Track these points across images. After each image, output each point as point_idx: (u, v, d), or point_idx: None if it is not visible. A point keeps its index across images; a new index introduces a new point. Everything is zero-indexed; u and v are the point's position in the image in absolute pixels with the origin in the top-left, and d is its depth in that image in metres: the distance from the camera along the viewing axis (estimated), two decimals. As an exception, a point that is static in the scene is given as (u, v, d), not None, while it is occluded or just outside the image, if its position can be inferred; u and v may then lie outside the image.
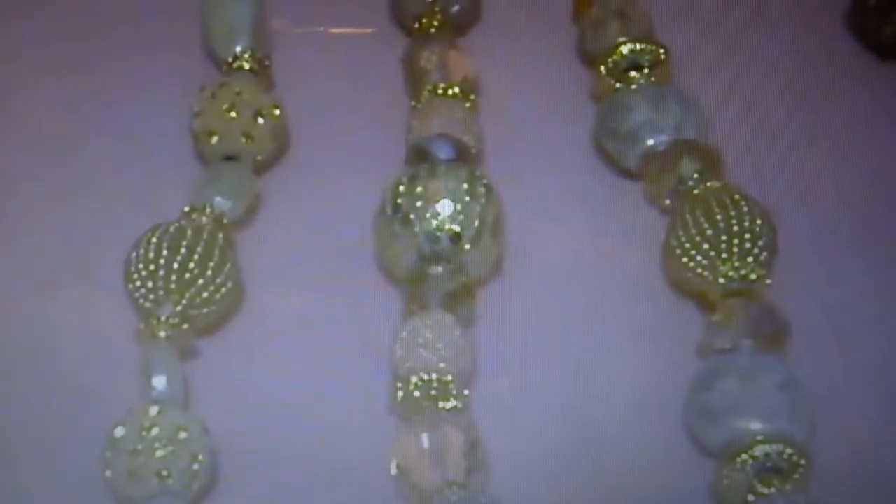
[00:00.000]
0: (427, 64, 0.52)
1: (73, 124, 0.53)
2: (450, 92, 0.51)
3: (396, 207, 0.46)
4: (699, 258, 0.46)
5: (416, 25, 0.55)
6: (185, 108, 0.51)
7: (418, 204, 0.46)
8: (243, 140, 0.50)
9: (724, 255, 0.46)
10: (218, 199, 0.48)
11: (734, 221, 0.46)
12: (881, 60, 0.55)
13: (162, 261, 0.45)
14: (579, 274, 0.48)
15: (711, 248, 0.46)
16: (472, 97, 0.52)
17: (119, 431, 0.41)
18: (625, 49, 0.52)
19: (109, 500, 0.41)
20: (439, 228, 0.45)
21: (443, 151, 0.48)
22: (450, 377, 0.43)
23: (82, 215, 0.50)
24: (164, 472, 0.40)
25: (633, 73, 0.52)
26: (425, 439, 0.41)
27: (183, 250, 0.45)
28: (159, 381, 0.43)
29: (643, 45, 0.52)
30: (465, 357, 0.44)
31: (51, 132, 0.53)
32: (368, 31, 0.57)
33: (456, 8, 0.55)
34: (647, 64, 0.52)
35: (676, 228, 0.47)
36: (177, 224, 0.46)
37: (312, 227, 0.50)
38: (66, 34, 0.56)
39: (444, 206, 0.45)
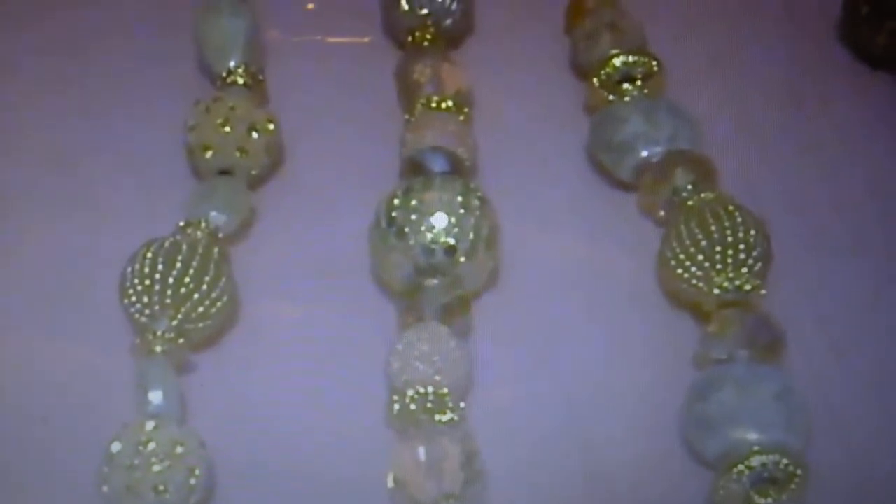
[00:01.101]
0: (420, 77, 0.52)
1: (67, 140, 0.53)
2: (443, 105, 0.51)
3: (391, 220, 0.46)
4: (694, 269, 0.46)
5: (410, 39, 0.55)
6: (180, 123, 0.51)
7: (413, 217, 0.46)
8: (238, 154, 0.50)
9: (718, 266, 0.46)
10: (213, 213, 0.48)
11: (728, 232, 0.46)
12: (873, 70, 0.56)
13: (157, 276, 0.45)
14: (574, 285, 0.48)
15: (706, 259, 0.46)
16: (466, 110, 0.52)
17: (116, 446, 0.41)
18: (617, 61, 0.52)
19: (106, 516, 0.41)
20: (434, 241, 0.45)
21: (437, 164, 0.48)
22: (446, 389, 0.43)
23: (77, 230, 0.50)
24: (161, 487, 0.40)
25: (626, 85, 0.52)
26: (422, 452, 0.41)
27: (178, 265, 0.45)
28: (155, 396, 0.43)
29: (636, 57, 0.52)
30: (461, 369, 0.44)
31: (45, 148, 0.53)
32: (366, 40, 0.57)
33: (449, 21, 0.55)
34: (639, 76, 0.52)
35: (671, 239, 0.47)
36: (172, 239, 0.46)
37: (307, 240, 0.50)
38: (60, 50, 0.56)
39: (439, 219, 0.46)
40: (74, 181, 0.51)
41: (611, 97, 0.52)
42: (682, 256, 0.46)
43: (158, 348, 0.44)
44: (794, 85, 0.55)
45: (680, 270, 0.46)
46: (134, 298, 0.45)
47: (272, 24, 0.57)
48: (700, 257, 0.46)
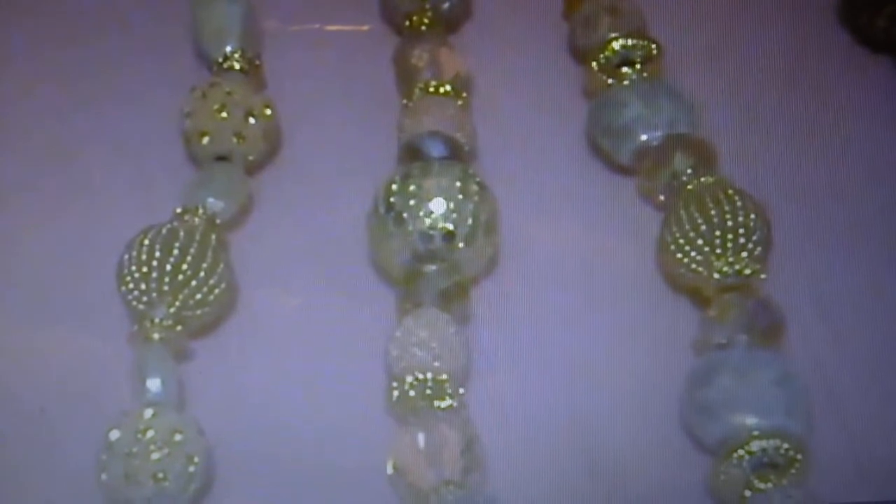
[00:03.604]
0: (418, 62, 0.52)
1: (65, 129, 0.53)
2: (441, 90, 0.51)
3: (389, 206, 0.46)
4: (693, 254, 0.46)
5: (407, 23, 0.55)
6: (177, 110, 0.50)
7: (411, 203, 0.45)
8: (235, 140, 0.50)
9: (718, 251, 0.46)
10: (210, 199, 0.48)
11: (728, 216, 0.46)
12: (873, 53, 0.55)
13: (155, 263, 0.45)
14: (574, 271, 0.48)
15: (706, 244, 0.46)
16: (464, 95, 0.52)
17: (114, 434, 0.41)
18: (616, 45, 0.52)
19: (105, 504, 0.41)
20: (433, 227, 0.45)
21: (435, 149, 0.48)
22: (445, 376, 0.43)
23: (75, 219, 0.50)
24: (160, 475, 0.40)
25: (625, 69, 0.52)
26: (421, 439, 0.41)
27: (175, 252, 0.45)
28: (154, 384, 0.43)
29: (635, 41, 0.52)
30: (459, 356, 0.44)
31: (43, 137, 0.53)
32: (364, 27, 0.57)
33: (447, 5, 0.55)
34: (638, 59, 0.52)
35: (670, 224, 0.47)
36: (169, 225, 0.46)
37: (305, 226, 0.50)
38: (56, 39, 0.56)
39: (438, 205, 0.45)
40: (72, 170, 0.51)
41: (610, 81, 0.52)
42: (681, 241, 0.46)
43: (156, 336, 0.44)
44: (793, 68, 0.55)
45: (679, 255, 0.46)
46: (131, 286, 0.45)
47: (270, 12, 0.56)
48: (700, 242, 0.46)
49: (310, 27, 0.57)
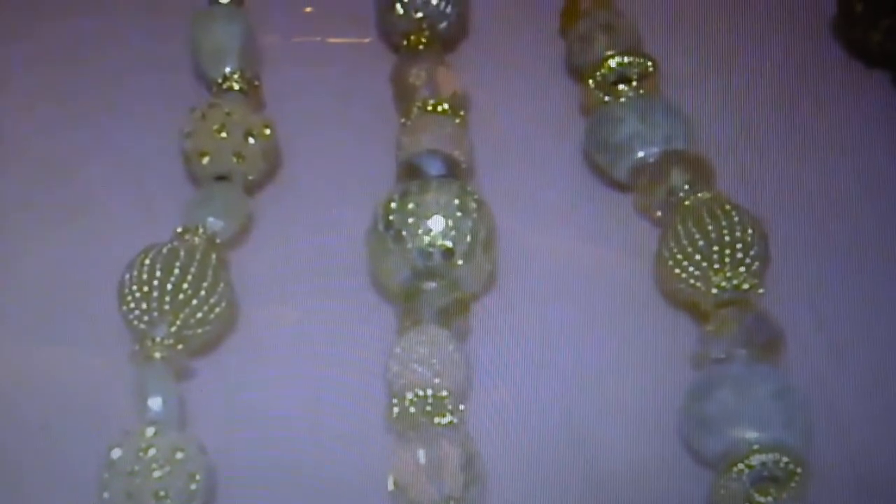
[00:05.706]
0: (416, 80, 0.52)
1: (64, 148, 0.53)
2: (439, 108, 0.51)
3: (388, 224, 0.46)
4: (691, 269, 0.46)
5: (405, 42, 0.55)
6: (176, 130, 0.51)
7: (410, 220, 0.46)
8: (234, 160, 0.50)
9: (716, 266, 0.46)
10: (210, 219, 0.48)
11: (725, 231, 0.46)
12: (869, 68, 0.56)
13: (155, 282, 0.45)
14: (572, 286, 0.48)
15: (703, 259, 0.46)
16: (462, 113, 0.52)
17: (116, 453, 0.41)
18: (612, 62, 0.52)
19: (107, 523, 0.41)
20: (431, 244, 0.46)
21: (433, 167, 0.49)
22: (445, 392, 0.43)
23: (75, 239, 0.50)
24: (162, 493, 0.41)
25: (621, 86, 0.52)
26: (422, 455, 0.41)
27: (176, 271, 0.45)
28: (155, 402, 0.43)
29: (631, 58, 0.52)
30: (459, 372, 0.44)
31: (42, 156, 0.53)
32: (365, 40, 0.57)
33: (444, 24, 0.55)
34: (635, 76, 0.52)
35: (668, 239, 0.47)
36: (169, 245, 0.46)
37: (305, 245, 0.50)
38: (55, 59, 0.56)
39: (436, 222, 0.46)
40: (71, 189, 0.51)
41: (606, 98, 0.52)
42: (679, 256, 0.46)
43: (157, 355, 0.44)
44: (789, 83, 0.55)
45: (677, 270, 0.46)
46: (132, 305, 0.45)
47: (269, 28, 0.57)
48: (697, 257, 0.46)
49: (308, 43, 0.57)
